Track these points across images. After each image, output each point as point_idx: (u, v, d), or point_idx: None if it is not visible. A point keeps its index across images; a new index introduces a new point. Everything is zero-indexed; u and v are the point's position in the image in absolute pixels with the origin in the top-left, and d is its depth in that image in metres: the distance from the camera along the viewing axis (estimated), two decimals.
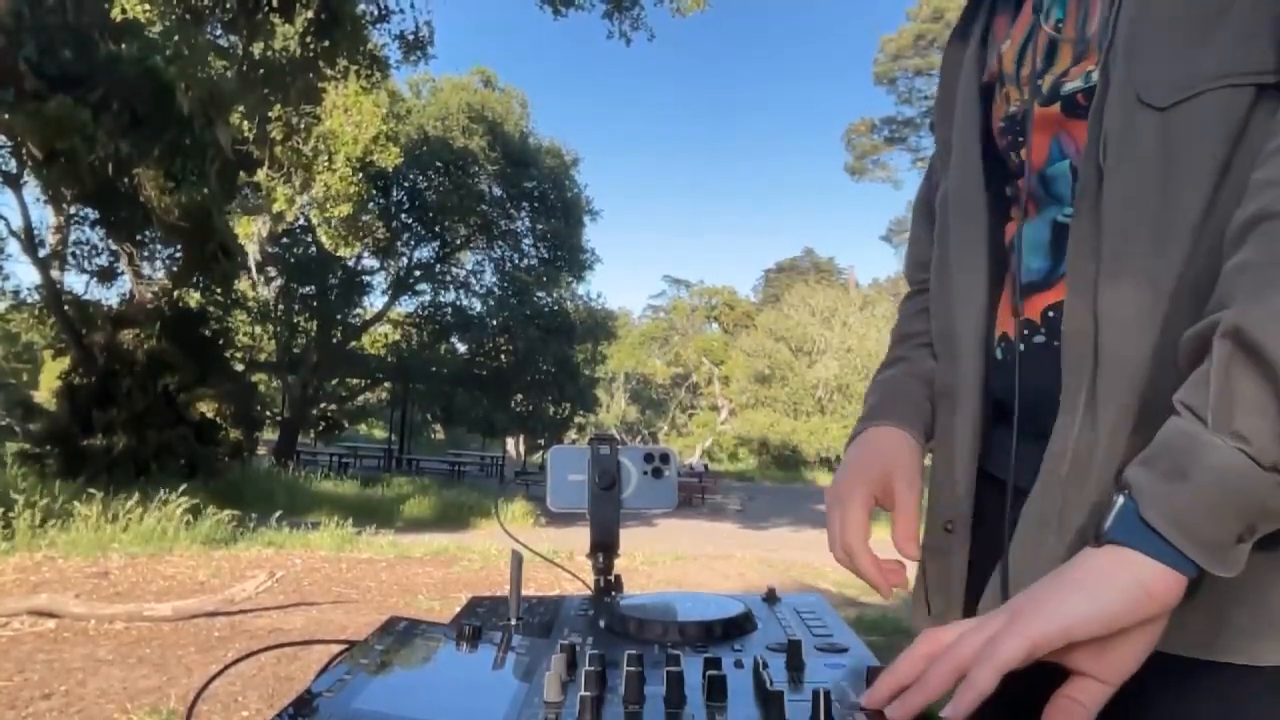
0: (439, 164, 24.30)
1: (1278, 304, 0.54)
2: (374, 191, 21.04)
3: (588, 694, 0.64)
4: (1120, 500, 0.59)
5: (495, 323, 26.98)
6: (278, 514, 10.81)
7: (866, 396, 1.02)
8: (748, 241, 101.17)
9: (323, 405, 26.71)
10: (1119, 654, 0.60)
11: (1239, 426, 0.54)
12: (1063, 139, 0.80)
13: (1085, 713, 0.61)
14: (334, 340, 24.54)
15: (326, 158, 14.70)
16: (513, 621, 0.92)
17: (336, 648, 0.80)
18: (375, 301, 26.84)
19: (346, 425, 30.34)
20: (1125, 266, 0.71)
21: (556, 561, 1.34)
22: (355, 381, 29.22)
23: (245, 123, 13.35)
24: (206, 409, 14.78)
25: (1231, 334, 0.55)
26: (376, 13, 13.72)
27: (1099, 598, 0.57)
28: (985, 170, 0.89)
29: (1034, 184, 0.83)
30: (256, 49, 12.66)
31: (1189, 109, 0.69)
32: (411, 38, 13.96)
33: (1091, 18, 0.78)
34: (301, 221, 20.76)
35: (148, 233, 15.66)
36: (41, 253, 16.30)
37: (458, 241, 26.54)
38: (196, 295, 16.79)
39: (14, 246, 17.79)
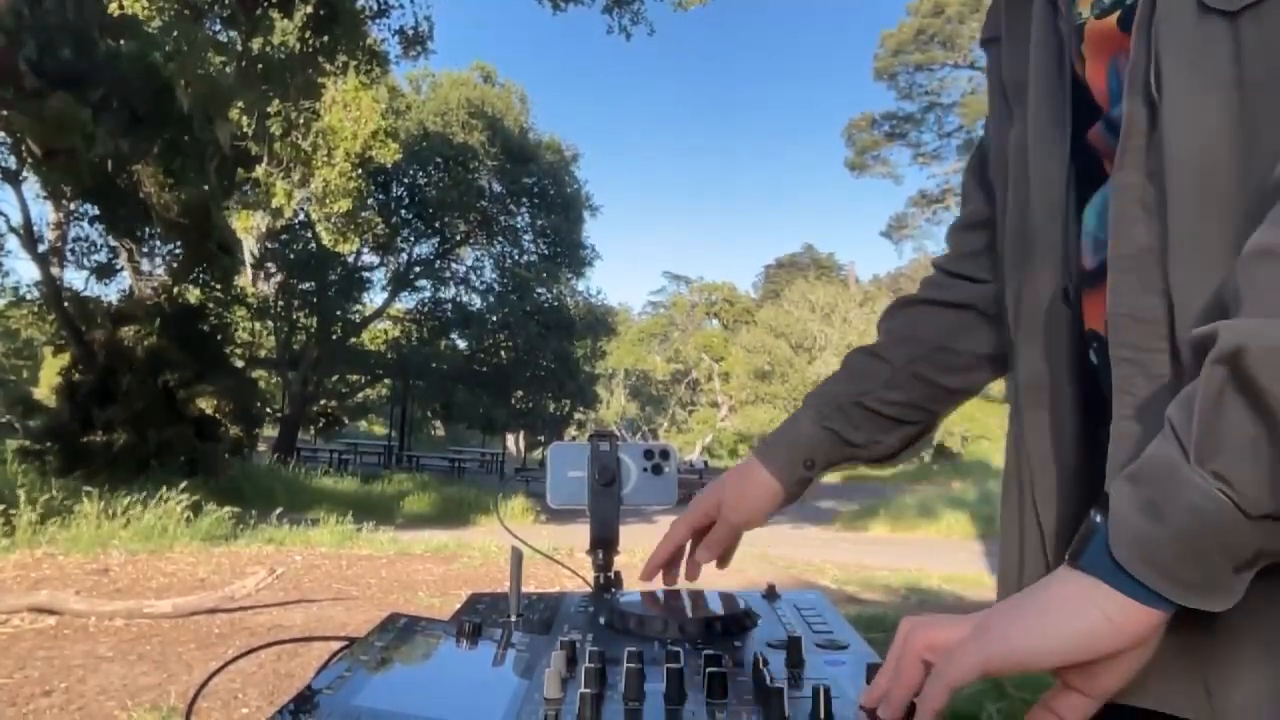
0: (438, 159, 24.29)
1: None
2: (373, 187, 21.05)
3: (588, 691, 0.64)
4: (1096, 521, 0.53)
5: (495, 319, 26.99)
6: (278, 511, 10.81)
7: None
8: (748, 237, 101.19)
9: (323, 402, 26.72)
10: (1103, 674, 0.55)
11: (1224, 469, 0.47)
12: (1120, 63, 0.64)
13: None
14: (334, 336, 24.54)
15: (326, 153, 14.70)
16: (513, 618, 0.92)
17: (336, 644, 0.80)
18: (375, 297, 26.89)
19: (346, 422, 30.36)
20: (1207, 233, 0.56)
21: (556, 558, 1.34)
22: (355, 378, 29.23)
23: (244, 119, 13.34)
24: (206, 405, 14.78)
25: (1228, 360, 0.46)
26: (376, 8, 13.72)
27: (1062, 629, 0.53)
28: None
29: (1101, 131, 0.67)
30: (256, 44, 12.65)
31: (1272, 11, 0.53)
32: (411, 33, 13.97)
33: None
34: (301, 217, 20.76)
35: (147, 229, 15.66)
36: (41, 249, 16.29)
37: (457, 237, 26.54)
38: (196, 291, 16.80)
39: (14, 243, 17.78)
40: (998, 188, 0.83)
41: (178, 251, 16.15)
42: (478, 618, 0.88)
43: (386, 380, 30.01)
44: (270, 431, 23.90)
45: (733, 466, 1.04)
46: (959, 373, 0.97)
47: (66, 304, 15.00)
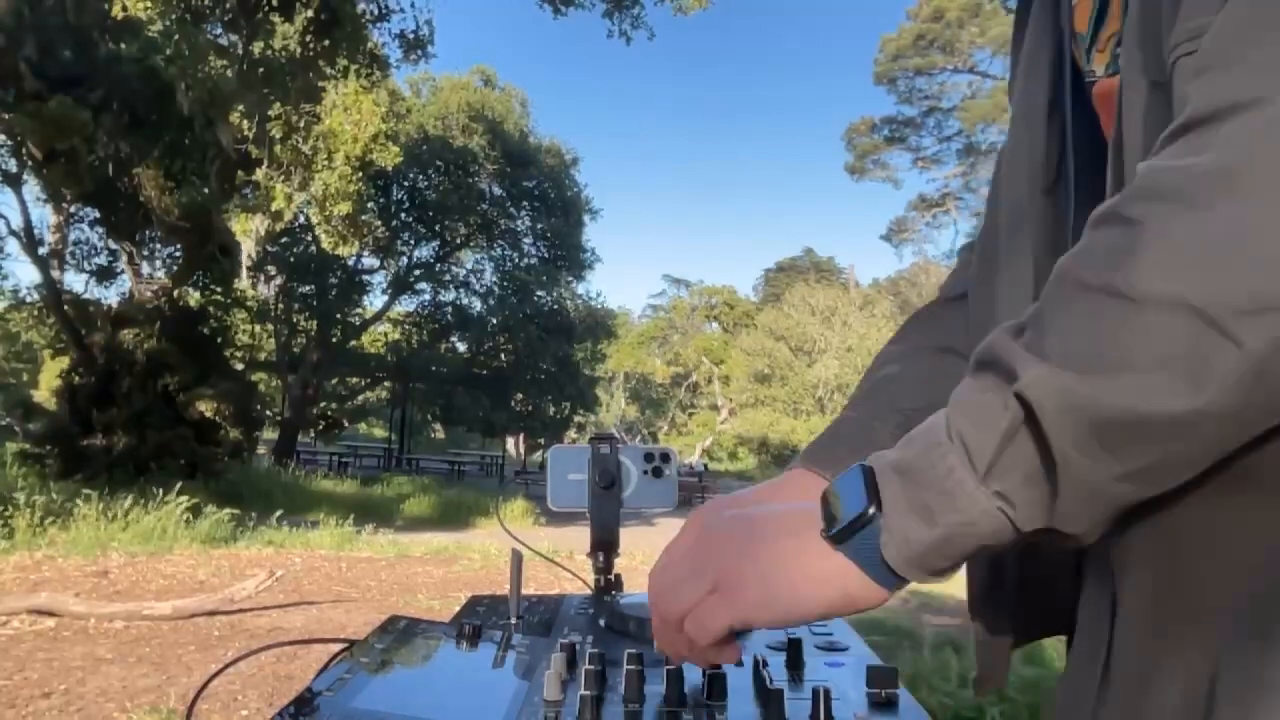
0: (439, 163, 24.31)
1: (1081, 377, 0.46)
2: (374, 191, 21.05)
3: (588, 693, 0.64)
4: (870, 513, 0.54)
5: (495, 322, 26.99)
6: (278, 513, 10.81)
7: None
8: (748, 241, 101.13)
9: (322, 404, 26.71)
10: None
11: (1010, 491, 0.49)
12: None
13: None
14: (334, 339, 24.54)
15: (326, 157, 14.70)
16: (513, 620, 0.92)
17: (336, 647, 0.80)
18: (375, 301, 26.88)
19: (346, 424, 30.33)
20: None
21: (557, 561, 1.34)
22: (355, 381, 29.23)
23: (245, 122, 13.35)
24: (206, 408, 14.78)
25: (1023, 402, 0.48)
26: (376, 12, 13.74)
27: (810, 602, 0.57)
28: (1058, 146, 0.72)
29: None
30: (256, 48, 12.67)
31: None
32: (411, 37, 13.99)
33: None
34: (301, 220, 20.76)
35: (147, 232, 15.67)
36: (41, 252, 16.29)
37: (457, 241, 26.55)
38: (196, 294, 16.79)
39: (14, 246, 17.80)
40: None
41: (178, 254, 16.16)
42: (478, 620, 0.88)
43: (386, 383, 30.00)
44: (270, 434, 23.89)
45: (771, 483, 0.79)
46: None
47: (67, 307, 15.01)
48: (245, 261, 15.64)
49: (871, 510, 0.55)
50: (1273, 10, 0.44)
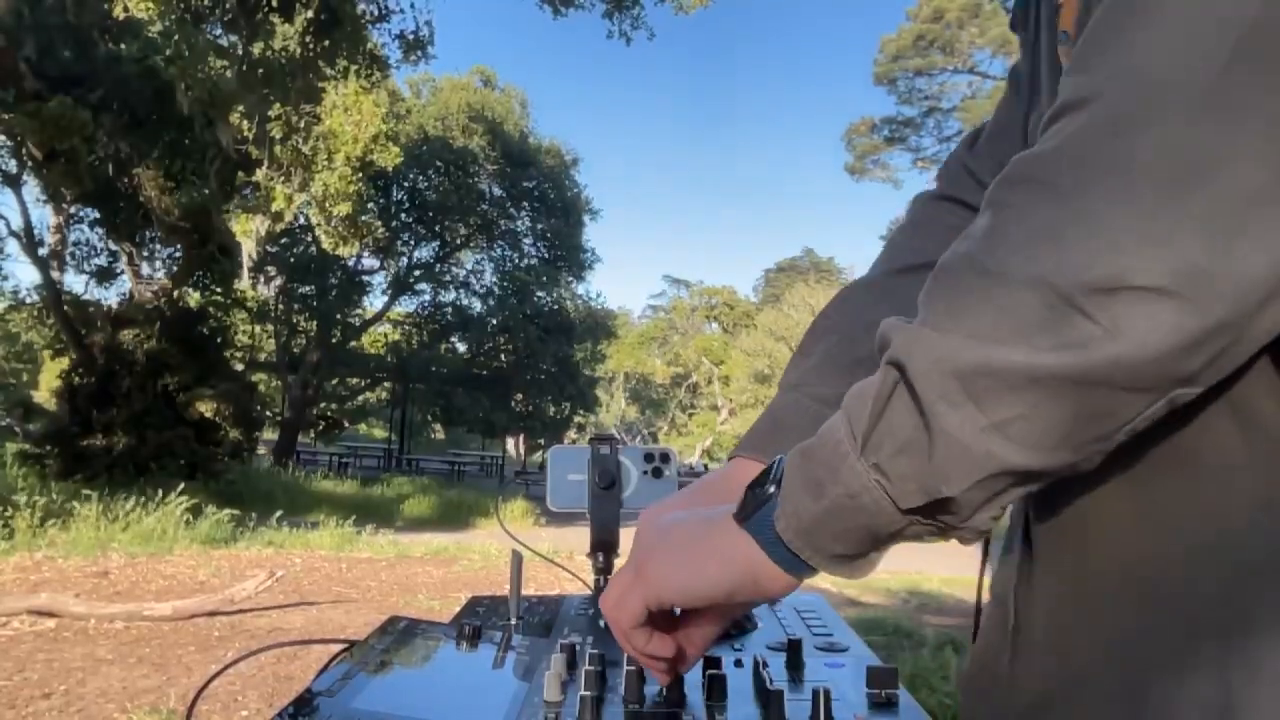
0: (439, 164, 24.31)
1: (949, 338, 0.49)
2: (374, 191, 21.05)
3: (588, 693, 0.64)
4: (769, 491, 0.58)
5: (495, 322, 26.99)
6: (278, 514, 10.81)
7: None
8: (748, 241, 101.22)
9: (322, 405, 26.71)
10: (728, 612, 0.65)
11: (884, 462, 0.51)
12: None
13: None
14: (334, 340, 24.54)
15: (326, 157, 14.69)
16: (513, 621, 0.92)
17: (336, 647, 0.80)
18: (375, 301, 26.88)
19: (346, 425, 30.34)
20: None
21: (557, 561, 1.34)
22: (355, 381, 29.22)
23: (245, 122, 13.34)
24: (206, 409, 14.78)
25: (896, 365, 0.51)
26: (376, 12, 13.74)
27: (713, 581, 0.60)
28: None
29: None
30: (256, 49, 12.66)
31: None
32: (411, 37, 13.99)
33: None
34: (301, 221, 20.76)
35: (147, 232, 15.67)
36: (41, 253, 16.30)
37: (457, 241, 26.55)
38: (196, 295, 16.80)
39: (14, 246, 17.81)
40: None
41: (178, 255, 16.16)
42: (478, 620, 0.88)
43: (386, 384, 30.01)
44: (270, 435, 23.90)
45: (716, 472, 0.80)
46: None
47: (66, 307, 15.01)
48: (246, 262, 15.63)
49: (771, 489, 0.58)
50: (1115, 18, 0.48)
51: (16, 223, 16.30)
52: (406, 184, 24.82)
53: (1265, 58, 0.43)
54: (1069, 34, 0.69)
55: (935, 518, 0.52)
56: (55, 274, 16.63)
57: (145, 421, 13.53)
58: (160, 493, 9.59)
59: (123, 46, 12.57)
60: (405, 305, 27.73)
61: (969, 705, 0.69)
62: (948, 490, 0.50)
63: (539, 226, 27.34)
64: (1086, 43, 0.50)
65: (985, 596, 0.76)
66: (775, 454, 0.71)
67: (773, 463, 0.60)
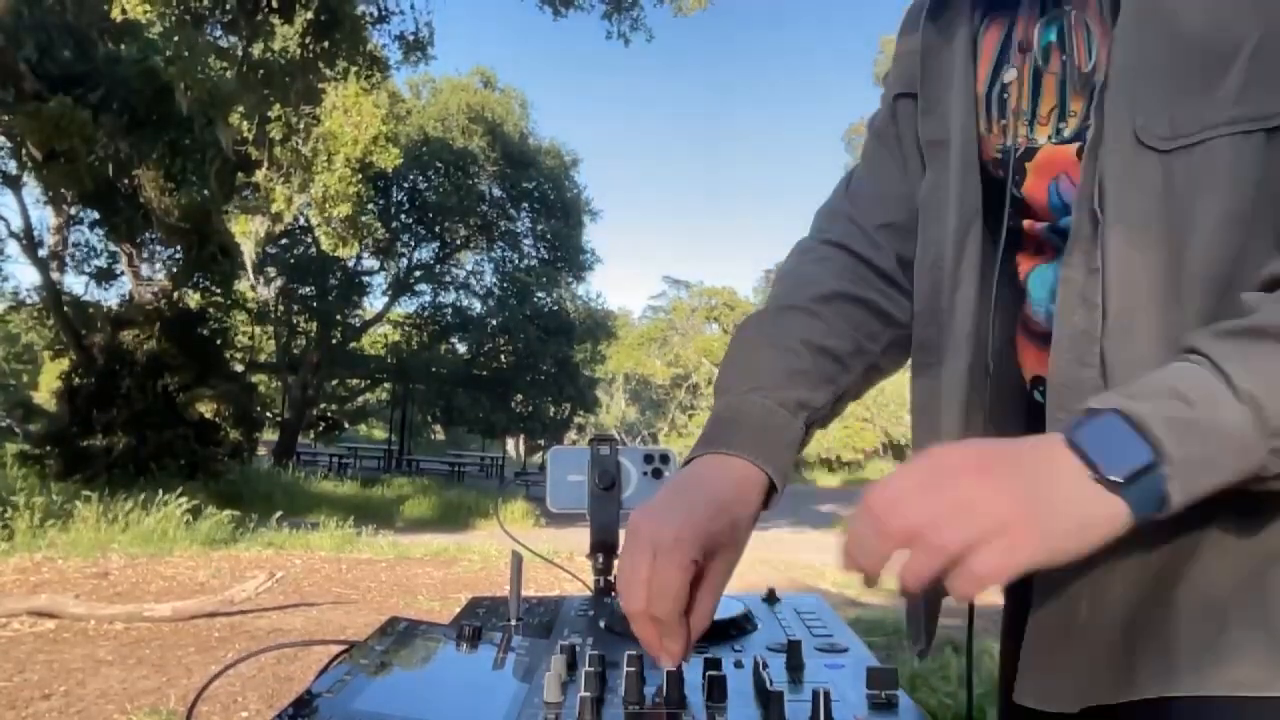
0: (439, 164, 24.30)
1: None
2: (373, 192, 21.04)
3: (588, 694, 0.64)
4: (1147, 461, 0.59)
5: (495, 323, 26.98)
6: (278, 514, 10.80)
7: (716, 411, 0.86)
8: (747, 242, 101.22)
9: (322, 406, 26.71)
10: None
11: (1261, 395, 0.58)
12: (1063, 184, 0.79)
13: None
14: (334, 341, 24.53)
15: (326, 158, 14.71)
16: (513, 622, 0.92)
17: (336, 648, 0.80)
18: (375, 302, 26.88)
19: (346, 426, 30.33)
20: (1138, 322, 0.69)
21: (556, 562, 1.34)
22: (355, 382, 29.22)
23: (245, 123, 13.35)
24: (206, 409, 14.78)
25: None
26: (376, 14, 13.73)
27: (1085, 543, 0.60)
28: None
29: (1045, 234, 0.82)
30: (256, 50, 12.66)
31: (1194, 155, 0.67)
32: (411, 38, 13.98)
33: (1080, 54, 0.77)
34: (301, 222, 20.77)
35: (147, 233, 15.67)
36: (41, 254, 16.31)
37: (457, 242, 26.54)
38: (196, 296, 16.80)
39: (14, 247, 17.82)
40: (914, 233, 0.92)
41: (178, 256, 16.16)
42: (478, 621, 0.88)
43: (386, 384, 30.00)
44: (270, 435, 23.90)
45: (690, 471, 0.79)
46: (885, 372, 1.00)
47: (66, 308, 15.02)
48: (249, 262, 15.65)
49: (1154, 459, 0.59)
50: None
51: (16, 223, 16.33)
52: (406, 185, 24.81)
53: None
54: (1023, 110, 0.82)
55: None
56: (55, 275, 16.64)
57: (145, 422, 13.53)
58: (160, 493, 9.58)
59: (122, 47, 12.58)
60: (405, 306, 27.75)
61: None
62: None
63: (539, 227, 27.33)
64: None
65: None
66: (750, 450, 0.79)
67: (1099, 425, 0.61)
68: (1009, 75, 0.83)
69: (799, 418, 0.83)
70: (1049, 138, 0.80)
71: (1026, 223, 0.84)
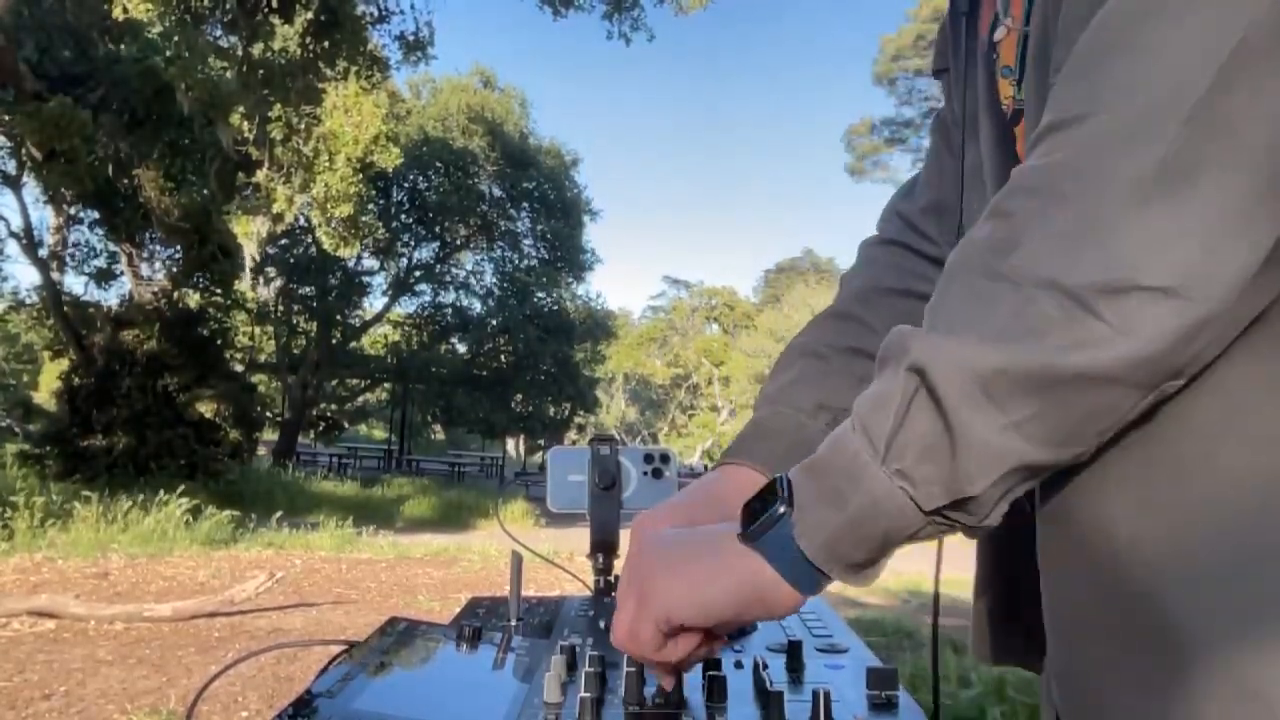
0: (439, 164, 24.30)
1: (967, 343, 0.52)
2: (374, 192, 21.04)
3: (587, 695, 0.64)
4: (780, 511, 0.58)
5: (495, 323, 26.98)
6: (278, 514, 10.80)
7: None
8: (748, 242, 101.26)
9: (322, 406, 26.70)
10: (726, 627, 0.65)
11: (908, 467, 0.53)
12: None
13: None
14: (334, 341, 24.53)
15: (326, 158, 14.69)
16: (513, 622, 0.92)
17: (337, 648, 0.80)
18: (375, 302, 26.88)
19: (346, 426, 30.33)
20: None
21: (556, 562, 1.34)
22: (355, 382, 29.20)
23: (245, 123, 13.34)
24: (206, 409, 14.77)
25: (917, 371, 0.53)
26: (376, 13, 13.73)
27: (722, 602, 0.60)
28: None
29: None
30: (256, 50, 12.66)
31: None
32: (411, 38, 13.97)
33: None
34: (301, 222, 20.76)
35: (147, 233, 15.67)
36: (41, 253, 16.30)
37: (458, 242, 26.54)
38: (196, 296, 16.79)
39: (13, 247, 17.82)
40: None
41: (178, 256, 16.15)
42: (478, 621, 0.88)
43: (386, 384, 29.99)
44: (270, 435, 23.89)
45: (707, 478, 0.83)
46: None
47: (66, 308, 15.01)
48: (249, 264, 15.65)
49: (783, 509, 0.58)
50: (1102, 47, 0.53)
51: (16, 223, 16.33)
52: (406, 185, 24.81)
53: (1243, 83, 0.49)
54: (1011, 68, 0.76)
55: (954, 516, 0.54)
56: (55, 275, 16.64)
57: (145, 422, 13.53)
58: (160, 493, 9.58)
59: (122, 47, 12.58)
60: (405, 306, 27.75)
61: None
62: (971, 490, 0.52)
63: (539, 227, 27.33)
64: (1077, 66, 0.54)
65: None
66: (763, 459, 0.79)
67: (772, 482, 0.61)
68: (999, 34, 0.81)
69: (818, 419, 0.85)
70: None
71: None
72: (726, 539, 0.61)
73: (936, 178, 0.95)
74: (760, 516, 0.60)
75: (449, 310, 27.81)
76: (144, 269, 16.31)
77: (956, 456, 0.52)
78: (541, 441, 29.73)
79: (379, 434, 37.91)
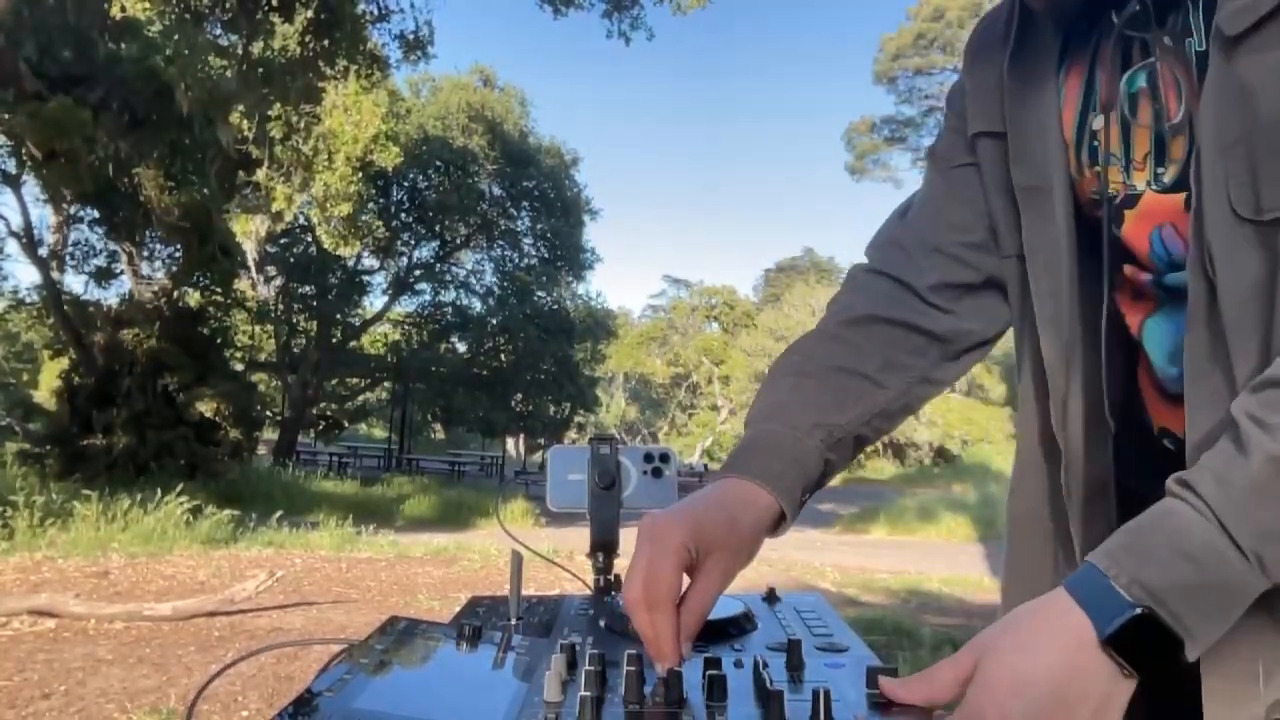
0: (439, 163, 24.30)
1: None
2: (374, 191, 21.05)
3: (588, 694, 0.64)
4: (1165, 622, 0.60)
5: (495, 322, 26.99)
6: (278, 514, 10.80)
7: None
8: (748, 241, 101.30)
9: (322, 405, 26.71)
10: None
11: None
12: (1166, 232, 0.80)
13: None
14: (334, 340, 24.54)
15: (326, 157, 14.70)
16: (513, 621, 0.92)
17: (336, 647, 0.79)
18: (375, 301, 26.89)
19: (346, 425, 30.33)
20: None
21: (556, 561, 1.34)
22: (355, 381, 29.21)
23: (245, 122, 13.34)
24: (206, 409, 14.78)
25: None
26: (376, 12, 13.73)
27: (1090, 710, 0.61)
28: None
29: (1150, 287, 0.84)
30: (256, 48, 12.66)
31: None
32: (411, 37, 13.98)
33: (1171, 106, 0.77)
34: (301, 221, 20.77)
35: (147, 232, 15.67)
36: (41, 253, 16.29)
37: (457, 241, 26.54)
38: (196, 295, 16.79)
39: (13, 246, 17.80)
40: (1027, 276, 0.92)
41: (178, 255, 16.16)
42: (478, 621, 0.88)
43: (386, 384, 30.00)
44: (270, 435, 23.90)
45: (710, 490, 0.84)
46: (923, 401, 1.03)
47: (66, 307, 15.01)
48: (250, 262, 15.66)
49: (1184, 642, 0.61)
50: None
51: (16, 223, 16.30)
52: (406, 184, 24.81)
53: None
54: (1116, 155, 0.82)
55: None
56: (55, 274, 16.62)
57: (145, 421, 13.54)
58: (160, 493, 9.58)
59: (122, 46, 12.57)
60: (405, 305, 27.76)
61: None
62: None
63: (539, 226, 27.33)
64: None
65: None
66: (762, 473, 0.84)
67: (1103, 601, 0.62)
68: (1097, 123, 0.84)
69: (813, 437, 0.89)
70: (1148, 184, 0.81)
71: (1128, 269, 0.85)
72: (1088, 655, 0.61)
73: (950, 220, 0.98)
74: (1135, 648, 0.61)
75: (449, 309, 27.81)
76: (144, 268, 16.34)
77: None
78: (541, 441, 29.73)
79: (379, 433, 37.91)
